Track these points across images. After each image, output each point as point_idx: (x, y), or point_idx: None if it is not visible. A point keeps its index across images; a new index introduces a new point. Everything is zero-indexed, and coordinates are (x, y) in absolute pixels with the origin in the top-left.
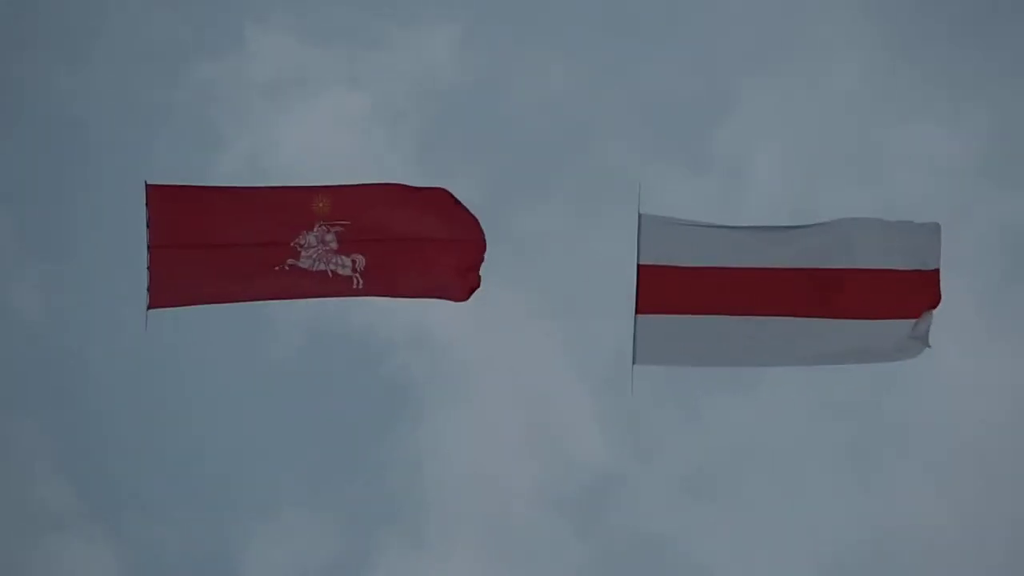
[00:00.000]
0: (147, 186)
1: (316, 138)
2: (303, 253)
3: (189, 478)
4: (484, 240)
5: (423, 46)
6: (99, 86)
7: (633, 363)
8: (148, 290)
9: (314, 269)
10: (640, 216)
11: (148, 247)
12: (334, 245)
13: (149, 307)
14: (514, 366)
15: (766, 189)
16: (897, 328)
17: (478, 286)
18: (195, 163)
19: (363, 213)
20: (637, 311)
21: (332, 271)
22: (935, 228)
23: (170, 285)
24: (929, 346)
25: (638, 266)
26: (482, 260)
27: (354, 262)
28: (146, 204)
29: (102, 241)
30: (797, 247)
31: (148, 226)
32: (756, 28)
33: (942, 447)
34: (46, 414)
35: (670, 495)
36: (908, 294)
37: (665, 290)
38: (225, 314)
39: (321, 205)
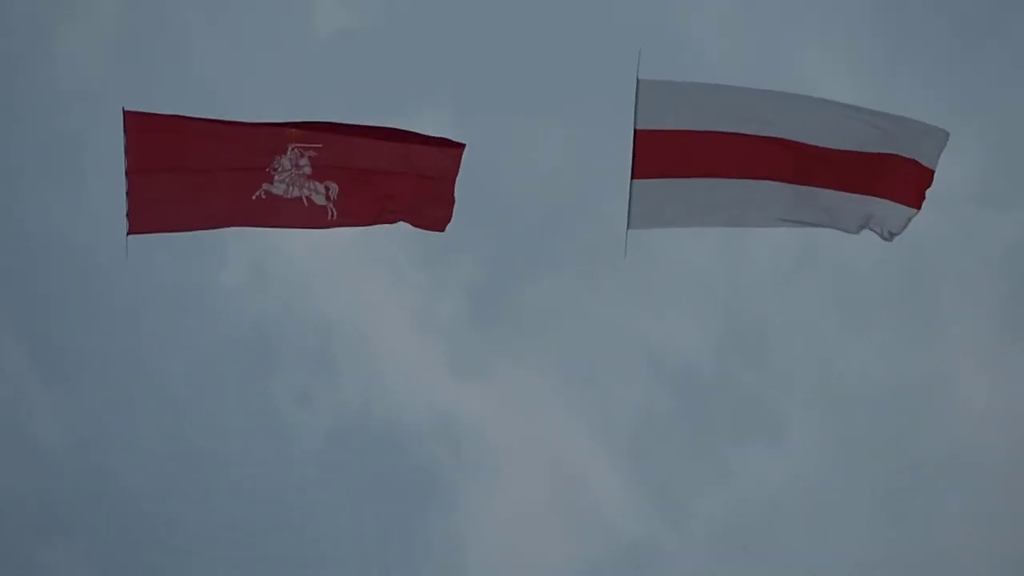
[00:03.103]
0: (124, 112)
1: (315, 237)
2: (276, 177)
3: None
4: (456, 169)
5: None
6: (93, 211)
7: (628, 227)
8: (127, 215)
9: (289, 196)
10: (639, 81)
11: (126, 172)
12: (308, 170)
13: (129, 232)
14: (537, 440)
15: (765, 239)
16: (877, 206)
17: (450, 217)
18: (198, 274)
19: (335, 140)
20: (633, 176)
21: (307, 197)
22: (943, 134)
23: (149, 210)
24: (890, 238)
25: (635, 131)
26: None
27: (327, 189)
28: (124, 130)
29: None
30: (794, 120)
31: (126, 151)
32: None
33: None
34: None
35: (703, 556)
36: (896, 179)
37: (660, 154)
38: (249, 413)
39: (294, 131)
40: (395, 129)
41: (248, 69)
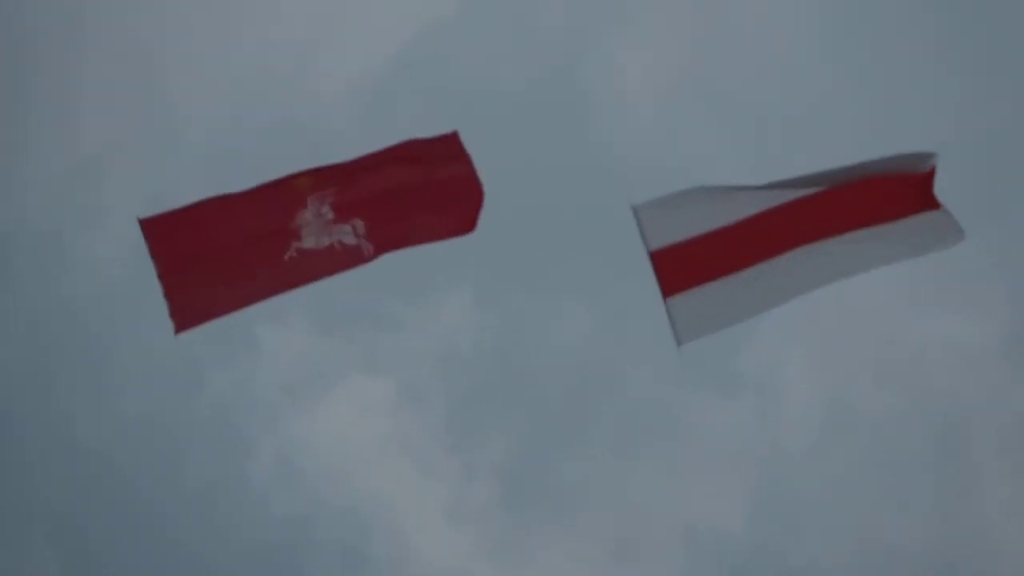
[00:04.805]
0: (140, 221)
1: (343, 430)
2: (304, 232)
3: None
4: (464, 153)
5: (435, 317)
6: (120, 412)
7: (678, 345)
8: (170, 316)
9: (320, 246)
10: (633, 208)
11: (158, 276)
12: (330, 216)
13: (176, 331)
14: None
15: (797, 401)
16: (918, 222)
17: (481, 208)
18: (227, 472)
19: (346, 178)
20: (664, 296)
21: (338, 241)
22: (930, 154)
23: (190, 305)
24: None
25: (649, 254)
26: (477, 186)
27: (354, 227)
28: (144, 238)
29: None
30: (793, 185)
31: (152, 257)
32: None
33: None
34: None
35: None
36: (910, 192)
37: (680, 267)
38: None
39: (304, 181)
40: (392, 147)
41: None
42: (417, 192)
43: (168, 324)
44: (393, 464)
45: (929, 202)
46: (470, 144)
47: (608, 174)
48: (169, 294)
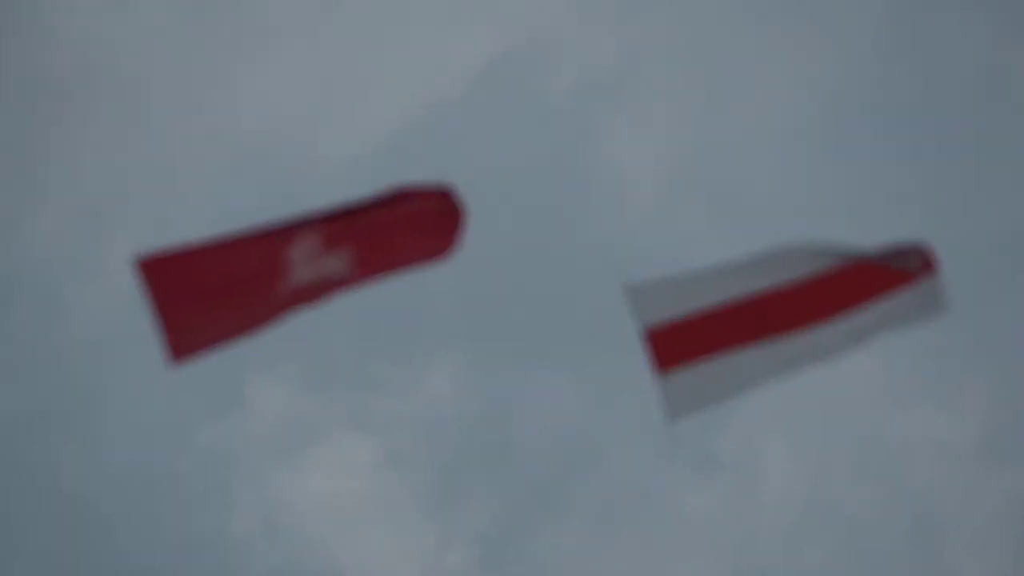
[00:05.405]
0: (136, 259)
1: (326, 489)
2: (296, 268)
3: None
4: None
5: (423, 381)
6: (105, 462)
7: (668, 422)
8: (165, 347)
9: (311, 278)
10: (626, 287)
11: (153, 309)
12: (321, 248)
13: (170, 364)
14: None
15: (775, 487)
16: (910, 296)
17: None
18: (210, 525)
19: (333, 216)
20: (655, 373)
21: (328, 274)
22: (927, 251)
23: (184, 337)
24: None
25: (641, 332)
26: (457, 215)
27: (344, 258)
28: (139, 273)
29: None
30: (787, 263)
31: (146, 293)
32: None
33: None
34: None
35: None
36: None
37: (674, 345)
38: None
39: (292, 227)
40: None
41: None
42: (402, 219)
43: (158, 376)
44: (373, 526)
45: (929, 269)
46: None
47: (602, 255)
48: (165, 326)
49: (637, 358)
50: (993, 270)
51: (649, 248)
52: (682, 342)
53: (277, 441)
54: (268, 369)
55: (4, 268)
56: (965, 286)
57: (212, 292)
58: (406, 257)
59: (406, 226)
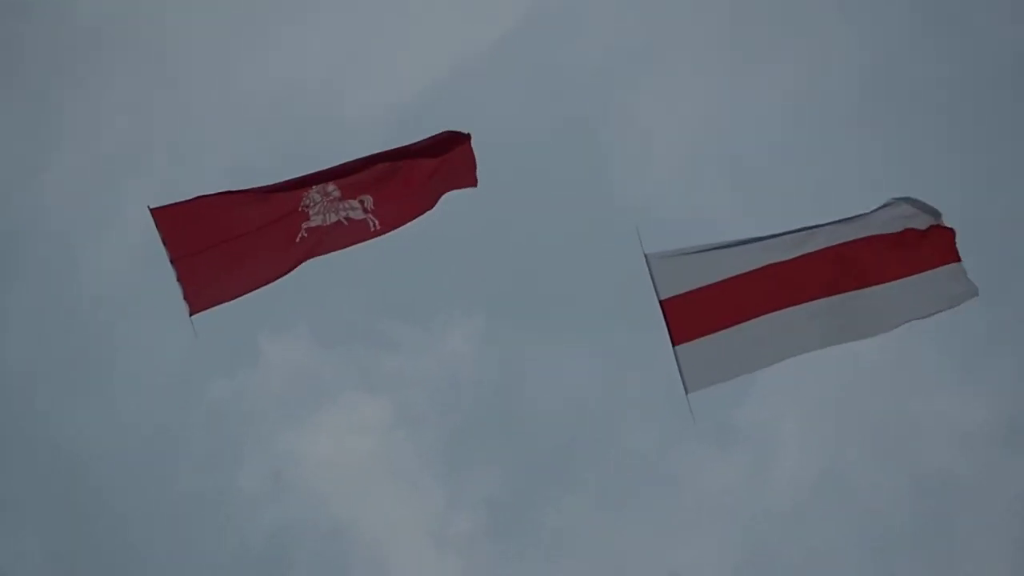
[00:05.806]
0: (151, 211)
1: (337, 448)
2: (312, 212)
3: None
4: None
5: (440, 344)
6: (118, 414)
7: (686, 392)
8: (184, 298)
9: (328, 223)
10: (647, 256)
11: (170, 261)
12: (337, 194)
13: (191, 313)
14: None
15: (792, 462)
16: (931, 279)
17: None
18: (219, 479)
19: (352, 165)
20: (673, 343)
21: (345, 217)
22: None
23: (203, 288)
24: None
25: (660, 302)
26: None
27: (362, 203)
28: (156, 226)
29: None
30: (809, 236)
31: (164, 243)
32: None
33: None
34: None
35: None
36: (927, 247)
37: (693, 315)
38: None
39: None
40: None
41: None
42: (422, 164)
43: (174, 330)
44: (382, 486)
45: (950, 255)
46: (491, 186)
47: (624, 225)
48: (182, 277)
49: (657, 330)
50: (1019, 254)
51: (671, 217)
52: (701, 313)
53: (290, 398)
54: (283, 326)
55: (19, 219)
56: (991, 268)
57: (229, 241)
58: (432, 197)
59: (421, 171)
